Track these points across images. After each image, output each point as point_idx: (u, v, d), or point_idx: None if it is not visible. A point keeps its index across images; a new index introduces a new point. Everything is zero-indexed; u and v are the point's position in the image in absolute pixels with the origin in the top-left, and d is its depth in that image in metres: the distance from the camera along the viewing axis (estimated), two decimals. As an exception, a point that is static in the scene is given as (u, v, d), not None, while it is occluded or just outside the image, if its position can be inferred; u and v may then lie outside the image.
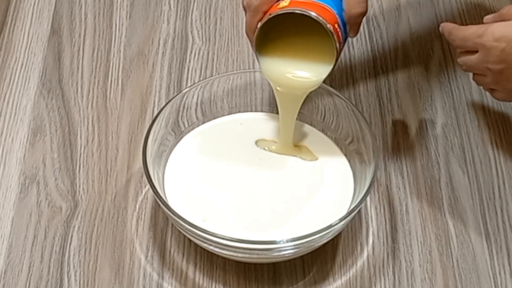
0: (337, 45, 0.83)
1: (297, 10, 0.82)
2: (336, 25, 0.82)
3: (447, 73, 1.04)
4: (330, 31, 0.82)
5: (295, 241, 0.80)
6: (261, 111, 0.95)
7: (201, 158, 0.91)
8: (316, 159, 0.91)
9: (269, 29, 0.84)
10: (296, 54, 0.87)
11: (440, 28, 0.88)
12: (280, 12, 0.82)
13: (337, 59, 0.84)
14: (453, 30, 0.86)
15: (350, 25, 0.84)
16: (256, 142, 0.92)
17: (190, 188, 0.88)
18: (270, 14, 0.82)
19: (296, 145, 0.92)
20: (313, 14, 0.81)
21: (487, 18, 0.85)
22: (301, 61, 0.87)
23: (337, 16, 0.83)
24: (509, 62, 0.81)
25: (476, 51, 0.84)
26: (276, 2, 0.84)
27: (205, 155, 0.91)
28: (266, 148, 0.92)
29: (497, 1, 1.11)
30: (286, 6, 0.82)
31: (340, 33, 0.83)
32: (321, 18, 0.81)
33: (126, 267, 0.86)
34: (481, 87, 0.90)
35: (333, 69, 0.85)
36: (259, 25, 0.83)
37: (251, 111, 0.95)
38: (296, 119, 0.90)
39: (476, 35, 0.83)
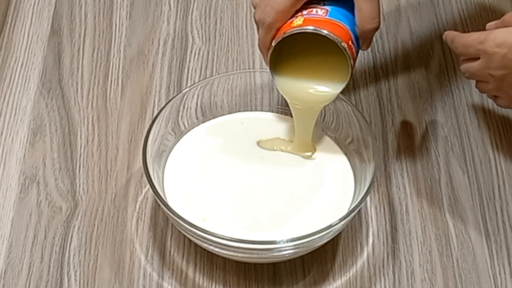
0: (351, 61, 0.83)
1: (310, 29, 0.82)
2: (350, 42, 0.83)
3: (447, 73, 1.04)
4: (344, 48, 0.82)
5: (295, 241, 0.80)
6: (261, 111, 0.95)
7: (201, 158, 0.91)
8: (313, 152, 0.91)
9: (282, 45, 0.84)
10: (310, 69, 0.87)
11: (443, 36, 0.88)
12: (294, 31, 0.82)
13: (351, 74, 0.85)
14: (455, 38, 0.86)
15: (362, 40, 0.85)
16: (258, 143, 0.92)
17: (190, 188, 0.88)
18: (284, 33, 0.83)
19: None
20: (325, 32, 0.82)
21: (489, 24, 0.85)
22: (315, 76, 0.87)
23: (350, 32, 0.83)
24: (511, 67, 0.81)
25: (478, 58, 0.83)
26: (290, 19, 0.84)
27: (205, 154, 0.91)
28: (274, 148, 0.92)
29: (497, 1, 1.11)
30: (300, 25, 0.82)
31: (353, 49, 0.83)
32: (335, 36, 0.82)
33: (126, 267, 0.86)
34: (484, 95, 0.90)
35: (347, 83, 0.85)
36: (273, 43, 0.83)
37: (251, 111, 0.95)
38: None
39: (478, 41, 0.82)
